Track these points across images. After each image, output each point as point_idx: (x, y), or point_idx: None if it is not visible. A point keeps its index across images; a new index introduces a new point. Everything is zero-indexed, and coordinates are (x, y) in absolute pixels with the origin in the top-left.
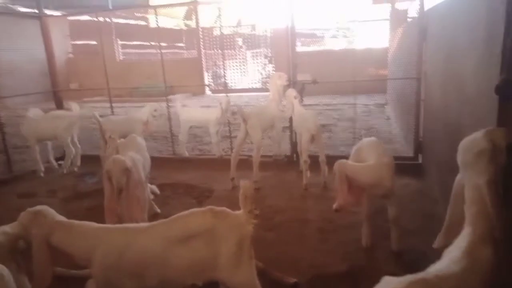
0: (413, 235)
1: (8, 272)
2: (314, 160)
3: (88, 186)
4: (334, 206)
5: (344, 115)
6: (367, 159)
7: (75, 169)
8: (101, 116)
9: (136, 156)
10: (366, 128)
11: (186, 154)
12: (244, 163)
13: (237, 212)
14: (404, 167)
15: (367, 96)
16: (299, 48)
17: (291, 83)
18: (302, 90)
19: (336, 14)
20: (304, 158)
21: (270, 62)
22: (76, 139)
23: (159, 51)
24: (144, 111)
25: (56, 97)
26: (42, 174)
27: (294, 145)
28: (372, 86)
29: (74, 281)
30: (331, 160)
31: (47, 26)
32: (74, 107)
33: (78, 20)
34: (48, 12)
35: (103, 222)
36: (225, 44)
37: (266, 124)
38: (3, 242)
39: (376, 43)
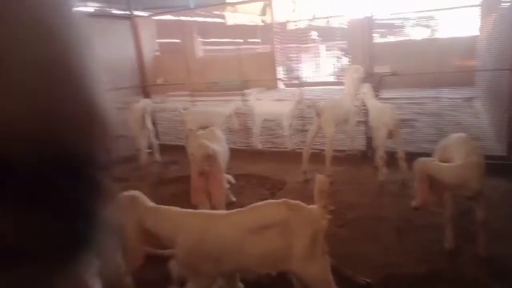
0: (502, 241)
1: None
2: (391, 156)
3: (172, 173)
4: (413, 204)
5: (426, 109)
6: (454, 157)
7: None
8: (184, 109)
9: (216, 147)
10: (451, 123)
11: (260, 146)
12: (316, 157)
13: (312, 206)
14: (494, 167)
15: (452, 89)
16: (377, 39)
17: (368, 75)
18: (379, 83)
19: (417, 1)
20: (380, 153)
21: (345, 54)
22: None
23: (235, 47)
24: (228, 107)
25: (145, 91)
26: (143, 163)
27: (369, 139)
28: (458, 78)
29: (160, 260)
30: (411, 157)
31: (136, 26)
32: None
33: (164, 20)
34: (137, 13)
35: (186, 206)
36: (299, 37)
37: (340, 118)
38: None
39: (462, 31)
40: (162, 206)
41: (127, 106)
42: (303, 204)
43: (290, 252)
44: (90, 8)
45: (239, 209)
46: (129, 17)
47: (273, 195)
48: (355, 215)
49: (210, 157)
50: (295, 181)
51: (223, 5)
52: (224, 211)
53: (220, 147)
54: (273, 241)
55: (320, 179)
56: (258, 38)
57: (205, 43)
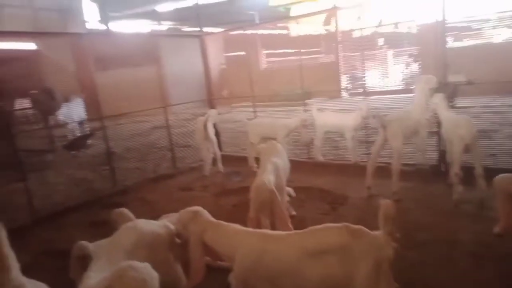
0: None
1: (156, 276)
2: (467, 172)
3: (234, 184)
4: (495, 229)
5: (508, 118)
6: None
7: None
8: (248, 119)
9: (278, 161)
10: None
11: (321, 158)
12: (382, 171)
13: (376, 232)
14: None
15: None
16: (451, 43)
17: (441, 85)
18: (453, 93)
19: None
20: (455, 169)
21: (415, 61)
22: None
23: (298, 57)
24: (294, 120)
25: (210, 103)
26: (207, 173)
27: (442, 153)
28: None
29: (221, 271)
30: (490, 173)
31: (204, 43)
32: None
33: (230, 34)
34: (206, 29)
35: (246, 217)
36: (364, 45)
37: (409, 131)
38: (163, 234)
39: None
40: (223, 223)
41: (194, 118)
42: (365, 230)
43: (350, 281)
44: (164, 26)
45: (297, 231)
46: (199, 35)
47: (334, 210)
48: (426, 237)
49: (271, 194)
50: (358, 196)
51: (288, 18)
52: (283, 232)
53: (280, 160)
54: (332, 267)
55: (385, 204)
56: (321, 48)
57: (268, 55)
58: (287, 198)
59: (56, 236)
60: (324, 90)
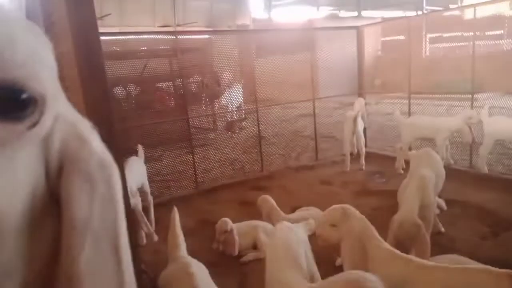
0: None
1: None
2: None
3: (376, 185)
4: None
5: None
6: None
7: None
8: (403, 113)
9: (428, 174)
10: None
11: (486, 169)
12: None
13: None
14: None
15: None
16: None
17: None
18: None
19: None
20: None
21: None
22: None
23: (471, 43)
24: (457, 118)
25: (361, 92)
26: (347, 169)
27: None
28: None
29: None
30: None
31: (362, 34)
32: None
33: (389, 17)
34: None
35: (385, 223)
36: None
37: None
38: (303, 230)
39: None
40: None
41: (341, 107)
42: None
43: None
44: (322, 12)
45: (449, 266)
46: (357, 27)
47: (494, 236)
48: None
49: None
50: None
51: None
52: (431, 263)
53: (432, 173)
54: None
55: None
56: (504, 32)
57: (434, 40)
58: (436, 211)
59: (212, 208)
60: (500, 83)
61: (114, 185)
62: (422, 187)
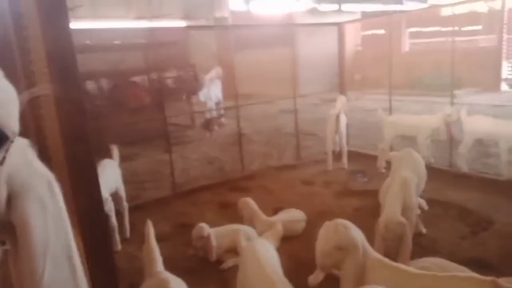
0: None
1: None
2: None
3: (358, 185)
4: None
5: None
6: None
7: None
8: (384, 110)
9: (409, 175)
10: None
11: (465, 168)
12: None
13: None
14: None
15: None
16: None
17: None
18: None
19: None
20: None
21: None
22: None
23: (450, 39)
24: (437, 116)
25: (342, 88)
26: (330, 168)
27: None
28: None
29: None
30: None
31: (343, 30)
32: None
33: (370, 12)
34: (345, 6)
35: (367, 224)
36: None
37: None
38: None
39: None
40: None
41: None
42: None
43: None
44: (302, 4)
45: (436, 273)
46: (338, 23)
47: (474, 235)
48: None
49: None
50: (508, 222)
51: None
52: (419, 272)
53: (414, 174)
54: None
55: None
56: (481, 29)
57: (413, 35)
58: (417, 212)
59: (190, 211)
60: (479, 78)
61: (59, 199)
62: (405, 188)
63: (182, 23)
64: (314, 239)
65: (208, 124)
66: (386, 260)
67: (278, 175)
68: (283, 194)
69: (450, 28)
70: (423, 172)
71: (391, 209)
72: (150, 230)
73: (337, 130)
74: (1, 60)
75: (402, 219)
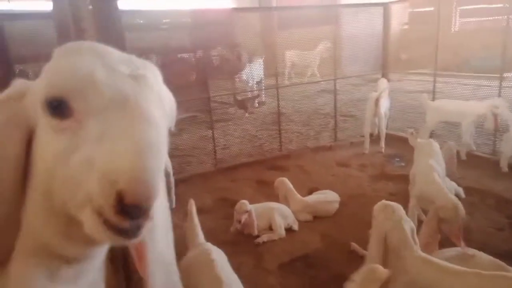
0: None
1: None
2: None
3: (394, 168)
4: None
5: None
6: None
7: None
8: (427, 92)
9: (434, 164)
10: None
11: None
12: None
13: None
14: None
15: None
16: None
17: None
18: None
19: None
20: None
21: None
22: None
23: (504, 17)
24: (483, 104)
25: (385, 69)
26: (366, 151)
27: None
28: None
29: None
30: None
31: (388, 10)
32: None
33: None
34: None
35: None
36: None
37: None
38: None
39: None
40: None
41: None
42: None
43: None
44: None
45: (481, 272)
46: (383, 4)
47: (511, 227)
48: None
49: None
50: None
51: None
52: (462, 269)
53: (436, 163)
54: None
55: None
56: None
57: (464, 13)
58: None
59: (230, 186)
60: None
61: None
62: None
63: (229, 3)
64: (346, 220)
65: (243, 104)
66: (429, 256)
67: (314, 155)
68: (318, 175)
69: (505, 5)
70: (442, 162)
71: (443, 192)
72: (193, 208)
73: (376, 114)
74: (59, 38)
75: (458, 201)
